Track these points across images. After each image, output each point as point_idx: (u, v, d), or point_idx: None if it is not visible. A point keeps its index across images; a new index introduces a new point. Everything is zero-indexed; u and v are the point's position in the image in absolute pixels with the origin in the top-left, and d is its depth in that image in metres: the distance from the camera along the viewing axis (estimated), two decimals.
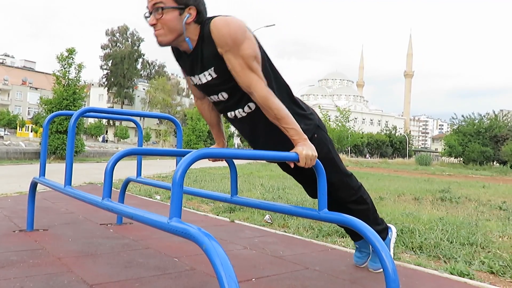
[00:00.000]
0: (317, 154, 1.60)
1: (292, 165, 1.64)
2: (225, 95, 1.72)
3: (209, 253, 1.09)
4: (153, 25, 1.57)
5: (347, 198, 2.04)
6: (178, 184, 1.26)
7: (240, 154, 1.45)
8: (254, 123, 1.78)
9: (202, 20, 1.61)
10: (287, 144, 1.63)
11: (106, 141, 53.55)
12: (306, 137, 1.63)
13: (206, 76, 1.67)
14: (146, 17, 1.61)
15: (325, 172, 1.88)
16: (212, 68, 1.63)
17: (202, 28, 1.60)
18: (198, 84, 1.75)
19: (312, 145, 1.62)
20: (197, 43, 1.62)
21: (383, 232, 2.20)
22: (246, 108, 1.74)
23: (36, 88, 67.47)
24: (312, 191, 2.10)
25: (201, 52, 1.62)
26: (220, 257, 1.08)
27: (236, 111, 1.76)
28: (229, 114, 1.81)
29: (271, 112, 1.60)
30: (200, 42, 1.61)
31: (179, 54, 1.76)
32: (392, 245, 2.25)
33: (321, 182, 1.69)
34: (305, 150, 1.57)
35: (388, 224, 2.30)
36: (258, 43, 1.66)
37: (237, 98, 1.72)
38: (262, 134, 1.82)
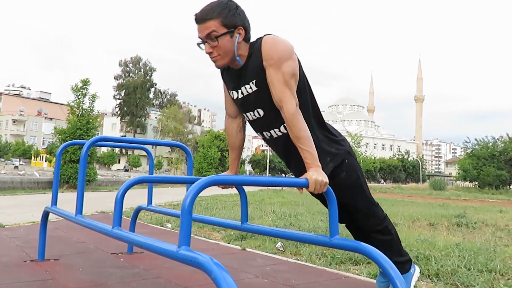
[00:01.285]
0: (327, 181, 1.59)
1: (301, 191, 1.62)
2: (261, 112, 1.80)
3: (218, 283, 1.07)
4: (209, 53, 1.69)
5: (372, 227, 2.04)
6: (187, 211, 1.26)
7: (249, 180, 1.45)
8: (288, 144, 1.81)
9: (249, 38, 1.73)
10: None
11: (127, 170, 53.85)
12: (319, 164, 1.64)
13: (247, 89, 1.77)
14: (198, 45, 1.72)
15: (353, 198, 1.95)
16: (254, 81, 1.73)
17: (251, 45, 1.73)
18: (237, 98, 1.84)
19: (324, 173, 1.61)
20: (246, 59, 1.74)
21: (407, 264, 2.14)
22: (282, 128, 1.80)
23: (51, 119, 68.71)
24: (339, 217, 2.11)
25: (246, 67, 1.74)
26: (229, 287, 1.06)
27: (272, 131, 1.83)
28: (265, 133, 1.87)
29: (294, 129, 1.66)
30: (248, 58, 1.73)
31: (225, 69, 1.86)
32: (413, 283, 2.15)
33: (332, 209, 1.67)
34: (315, 176, 1.56)
35: (414, 265, 2.22)
36: (300, 66, 1.76)
37: (272, 117, 1.79)
38: (295, 154, 1.83)
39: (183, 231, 1.27)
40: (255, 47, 1.71)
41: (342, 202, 1.96)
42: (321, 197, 1.99)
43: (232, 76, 1.82)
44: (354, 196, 1.97)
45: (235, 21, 1.65)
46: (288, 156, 1.91)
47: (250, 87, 1.75)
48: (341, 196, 1.90)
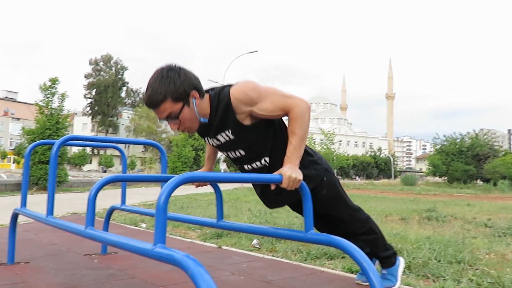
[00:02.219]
0: (301, 178, 1.61)
1: (273, 187, 1.64)
2: (242, 152, 1.81)
3: (194, 279, 1.07)
4: (176, 128, 1.69)
5: (357, 230, 2.13)
6: (162, 209, 1.25)
7: (224, 177, 1.45)
8: (268, 172, 1.85)
9: (203, 92, 1.72)
10: (298, 195, 1.68)
11: (105, 171, 52.42)
12: (297, 163, 1.66)
13: (223, 137, 1.77)
14: (160, 120, 1.71)
15: (336, 210, 2.05)
16: (230, 130, 1.73)
17: (213, 98, 1.71)
18: (215, 145, 1.85)
19: (299, 170, 1.64)
20: (211, 112, 1.72)
21: (392, 257, 2.27)
22: (263, 161, 1.83)
23: (18, 119, 66.57)
24: (319, 226, 2.21)
25: (215, 119, 1.72)
26: (206, 283, 1.06)
27: (253, 164, 1.85)
28: (245, 166, 1.89)
29: (296, 125, 1.67)
30: (214, 111, 1.71)
31: None
32: (400, 274, 2.29)
33: (306, 204, 1.69)
34: (289, 172, 1.58)
35: (398, 256, 2.35)
36: None
37: (253, 154, 1.81)
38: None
39: (158, 229, 1.26)
40: (222, 101, 1.69)
41: (326, 214, 2.04)
42: (299, 209, 2.06)
43: (203, 128, 1.80)
44: (337, 209, 2.07)
45: (184, 90, 1.61)
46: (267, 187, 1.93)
47: (227, 135, 1.76)
48: (324, 210, 2.04)
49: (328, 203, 2.01)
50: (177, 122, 1.66)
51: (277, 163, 1.72)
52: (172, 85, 1.59)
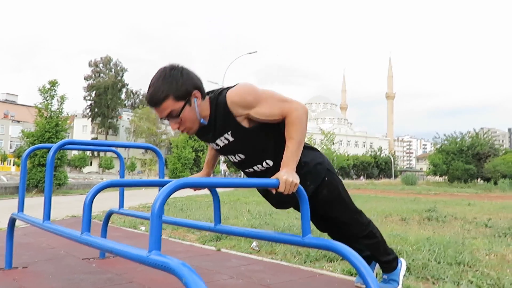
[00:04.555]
0: (298, 182, 1.60)
1: (274, 192, 1.62)
2: (242, 156, 1.81)
3: (189, 287, 1.06)
4: (177, 128, 1.68)
5: (358, 233, 2.11)
6: (157, 216, 1.24)
7: (220, 182, 1.44)
8: (271, 175, 1.83)
9: (205, 93, 1.71)
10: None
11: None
12: (294, 167, 1.65)
13: (223, 140, 1.76)
14: (161, 120, 1.69)
15: (337, 212, 2.03)
16: (229, 132, 1.72)
17: (212, 101, 1.71)
18: (215, 148, 1.85)
19: (296, 174, 1.63)
20: (210, 115, 1.71)
21: (394, 261, 2.26)
22: (264, 164, 1.82)
23: (18, 121, 66.64)
24: (321, 227, 2.22)
25: (215, 121, 1.72)
26: None
27: (255, 167, 1.85)
28: (247, 170, 1.89)
29: (293, 129, 1.66)
30: (213, 113, 1.70)
31: None
32: (401, 277, 2.28)
33: (303, 209, 1.68)
34: (286, 176, 1.56)
35: (399, 258, 2.34)
36: None
37: (254, 158, 1.81)
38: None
39: (153, 236, 1.25)
40: (219, 103, 1.68)
41: (327, 216, 2.03)
42: (291, 205, 2.05)
43: (202, 132, 1.80)
44: (338, 210, 2.05)
45: (186, 89, 1.61)
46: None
47: (226, 138, 1.75)
48: (325, 211, 2.02)
49: (329, 204, 2.00)
50: (178, 122, 1.65)
51: (279, 165, 1.71)
52: (175, 84, 1.59)
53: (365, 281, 1.39)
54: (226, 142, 1.76)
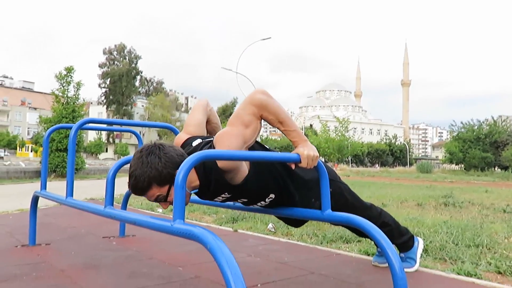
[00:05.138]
0: (318, 155, 1.60)
1: (293, 166, 1.63)
2: (245, 200, 1.82)
3: (214, 253, 1.08)
4: (167, 206, 1.59)
5: None
6: (181, 186, 1.26)
7: (241, 155, 1.45)
8: (276, 205, 1.88)
9: None
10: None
11: None
12: (306, 138, 1.65)
13: (222, 197, 1.75)
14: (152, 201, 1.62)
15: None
16: (226, 193, 1.70)
17: (198, 168, 1.57)
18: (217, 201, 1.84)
19: (313, 146, 1.63)
20: (200, 182, 1.61)
21: (409, 241, 2.27)
22: (267, 200, 1.82)
23: (35, 108, 67.60)
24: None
25: (208, 184, 1.62)
26: (226, 256, 1.07)
27: (259, 203, 1.86)
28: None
29: (273, 115, 1.60)
30: (203, 178, 1.60)
31: None
32: (418, 255, 2.29)
33: (323, 184, 1.69)
34: (307, 151, 1.57)
35: (416, 237, 2.34)
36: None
37: (256, 198, 1.81)
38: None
39: (177, 205, 1.27)
40: (207, 169, 1.57)
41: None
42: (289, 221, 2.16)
43: (199, 195, 1.73)
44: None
45: (168, 172, 1.49)
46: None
47: (224, 196, 1.72)
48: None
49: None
50: (168, 203, 1.56)
51: (284, 196, 1.78)
52: (154, 171, 1.48)
53: (387, 256, 1.40)
54: (225, 198, 1.75)
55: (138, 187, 1.51)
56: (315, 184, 1.81)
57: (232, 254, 1.07)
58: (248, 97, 1.62)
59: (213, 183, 1.61)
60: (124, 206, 3.20)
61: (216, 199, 1.78)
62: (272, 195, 1.80)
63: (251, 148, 1.67)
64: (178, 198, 1.25)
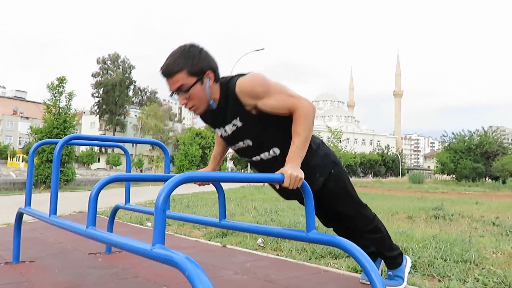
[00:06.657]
0: (303, 177, 1.59)
1: (277, 186, 1.62)
2: (250, 142, 1.81)
3: (192, 281, 1.07)
4: (184, 104, 1.68)
5: (363, 228, 2.12)
6: (161, 209, 1.24)
7: (224, 177, 1.44)
8: (278, 165, 1.83)
9: (219, 77, 1.72)
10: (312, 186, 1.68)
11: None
12: (299, 162, 1.64)
13: (231, 127, 1.78)
14: (171, 95, 1.71)
15: (342, 205, 2.04)
16: (238, 118, 1.73)
17: (222, 86, 1.72)
18: (223, 135, 1.86)
19: (300, 169, 1.62)
20: (220, 100, 1.73)
21: (398, 257, 2.26)
22: (271, 152, 1.82)
23: (27, 118, 67.15)
24: (326, 222, 2.24)
25: (224, 107, 1.73)
26: (203, 285, 1.05)
27: (262, 155, 1.84)
28: (254, 158, 1.88)
29: (300, 126, 1.66)
30: (223, 99, 1.72)
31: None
32: (406, 274, 2.29)
33: (308, 204, 1.68)
34: (291, 171, 1.56)
35: (405, 255, 2.34)
36: None
37: (261, 144, 1.81)
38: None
39: (157, 229, 1.25)
40: (229, 90, 1.70)
41: (332, 210, 2.03)
42: (300, 197, 2.03)
43: (211, 117, 1.82)
44: (343, 203, 2.05)
45: (201, 67, 1.63)
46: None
47: (235, 124, 1.76)
48: (330, 205, 2.03)
49: (334, 196, 2.00)
50: (187, 97, 1.66)
51: (287, 154, 1.71)
52: (191, 60, 1.61)
53: (369, 277, 1.39)
54: (235, 128, 1.77)
55: (169, 68, 1.61)
56: (322, 161, 1.90)
57: (211, 283, 1.05)
58: (303, 97, 1.70)
59: (229, 103, 1.70)
60: (111, 222, 3.16)
61: (225, 128, 1.80)
62: (277, 150, 1.81)
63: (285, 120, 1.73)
64: (159, 223, 1.23)
